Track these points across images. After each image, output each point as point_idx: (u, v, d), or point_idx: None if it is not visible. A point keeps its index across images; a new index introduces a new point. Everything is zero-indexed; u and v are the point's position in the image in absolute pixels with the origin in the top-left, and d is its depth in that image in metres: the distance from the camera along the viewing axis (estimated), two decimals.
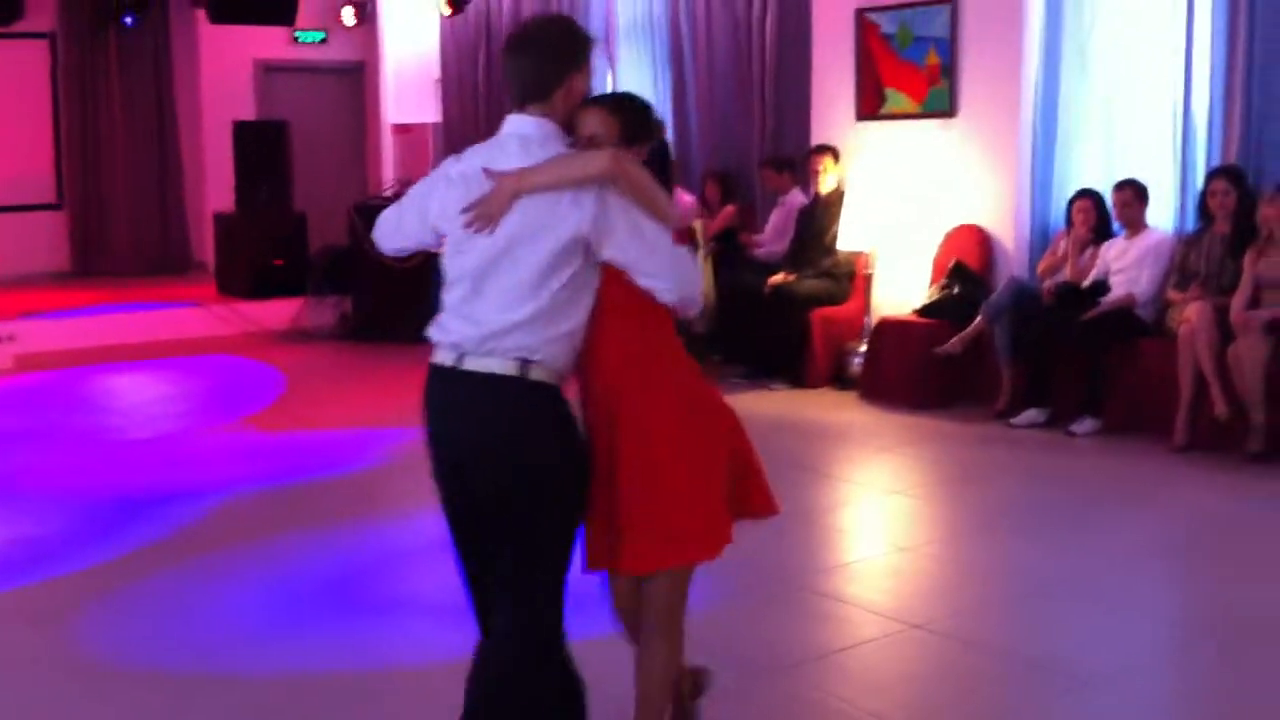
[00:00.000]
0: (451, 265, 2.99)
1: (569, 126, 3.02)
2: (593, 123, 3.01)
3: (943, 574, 5.07)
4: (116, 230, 13.14)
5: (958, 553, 5.30)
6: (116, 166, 13.16)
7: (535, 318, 2.88)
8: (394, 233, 3.16)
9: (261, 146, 11.50)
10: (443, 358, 2.96)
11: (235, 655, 4.28)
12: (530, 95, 3.02)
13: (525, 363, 2.89)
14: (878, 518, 5.81)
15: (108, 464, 6.78)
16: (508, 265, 2.89)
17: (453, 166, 3.06)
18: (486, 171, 2.92)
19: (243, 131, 11.77)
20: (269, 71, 13.76)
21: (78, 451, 7.04)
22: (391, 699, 3.99)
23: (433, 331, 3.00)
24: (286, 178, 11.48)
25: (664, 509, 3.00)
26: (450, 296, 2.98)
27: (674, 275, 2.98)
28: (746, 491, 3.19)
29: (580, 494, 2.98)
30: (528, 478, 2.90)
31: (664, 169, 3.17)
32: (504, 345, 2.89)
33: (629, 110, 3.09)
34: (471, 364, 2.91)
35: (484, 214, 2.89)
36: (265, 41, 13.35)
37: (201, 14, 12.45)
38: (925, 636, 4.33)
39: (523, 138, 2.99)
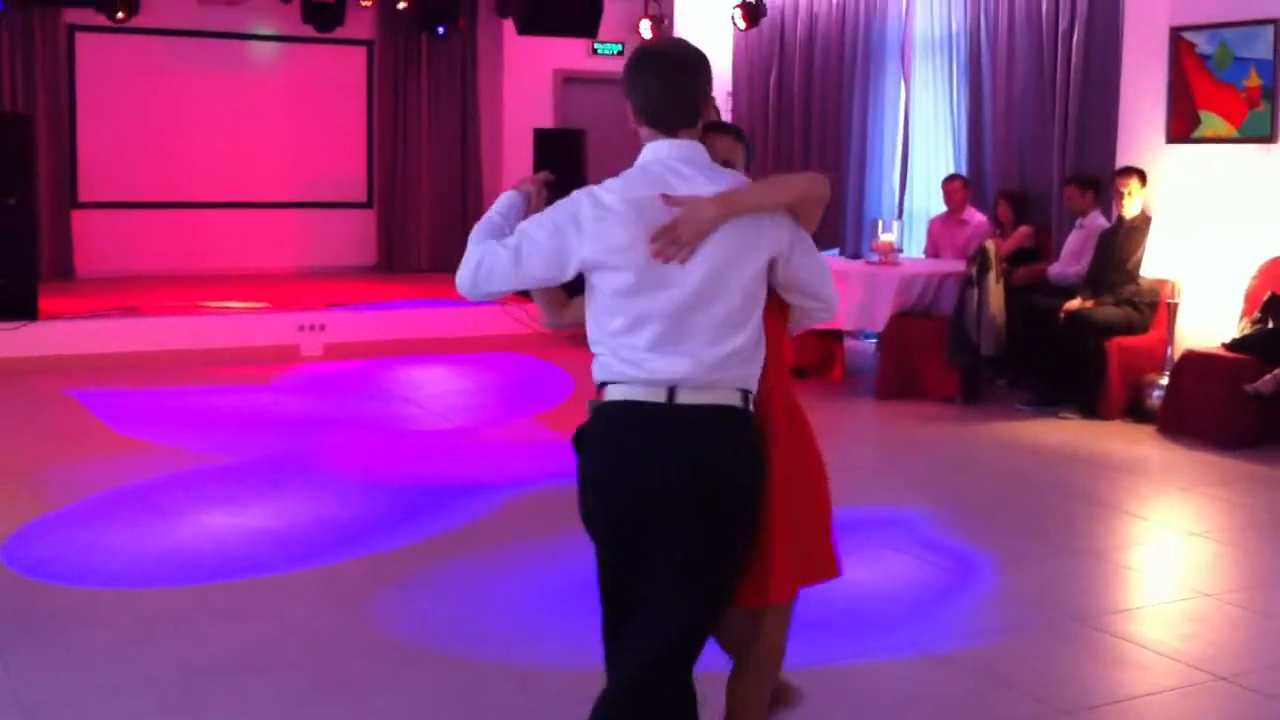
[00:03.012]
0: (627, 306, 2.77)
1: None
2: (724, 148, 3.04)
3: (1250, 624, 4.80)
4: (420, 229, 13.78)
5: (1267, 603, 5.01)
6: (423, 169, 13.80)
7: (748, 345, 2.79)
8: (505, 276, 2.85)
9: (559, 153, 11.83)
10: (647, 394, 2.77)
11: (523, 646, 4.42)
12: (687, 119, 2.87)
13: (745, 393, 2.81)
14: (1177, 560, 5.55)
15: (407, 452, 7.12)
16: (717, 293, 2.76)
17: (600, 198, 2.81)
18: (667, 198, 2.74)
19: (542, 139, 12.16)
20: (568, 81, 14.18)
21: (380, 439, 7.42)
22: None
23: (612, 373, 2.82)
24: (582, 184, 11.72)
25: (811, 534, 3.08)
26: (635, 338, 2.77)
27: (834, 295, 2.99)
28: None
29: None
30: (740, 504, 2.83)
31: None
32: (727, 377, 2.77)
33: (745, 138, 3.18)
34: (690, 398, 2.75)
35: (676, 241, 2.71)
36: (565, 52, 13.76)
37: (508, 25, 12.92)
38: (1233, 690, 4.11)
39: (695, 162, 2.85)
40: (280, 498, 6.20)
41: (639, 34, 13.90)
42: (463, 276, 2.90)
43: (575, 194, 2.84)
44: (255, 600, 4.85)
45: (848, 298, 8.91)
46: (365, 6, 13.01)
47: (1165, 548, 5.72)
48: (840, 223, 11.48)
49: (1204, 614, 4.83)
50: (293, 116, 13.43)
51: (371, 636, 4.52)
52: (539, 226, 2.84)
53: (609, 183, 2.83)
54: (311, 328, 10.11)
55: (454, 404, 8.64)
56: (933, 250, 9.92)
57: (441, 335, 10.53)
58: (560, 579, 5.07)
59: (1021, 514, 6.15)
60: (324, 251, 13.49)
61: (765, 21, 12.20)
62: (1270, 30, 7.92)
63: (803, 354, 9.39)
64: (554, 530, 5.67)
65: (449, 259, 13.74)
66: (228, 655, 4.31)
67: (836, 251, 10.29)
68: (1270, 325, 7.58)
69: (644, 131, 2.90)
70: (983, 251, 8.50)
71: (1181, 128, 8.46)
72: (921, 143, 11.08)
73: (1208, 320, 8.07)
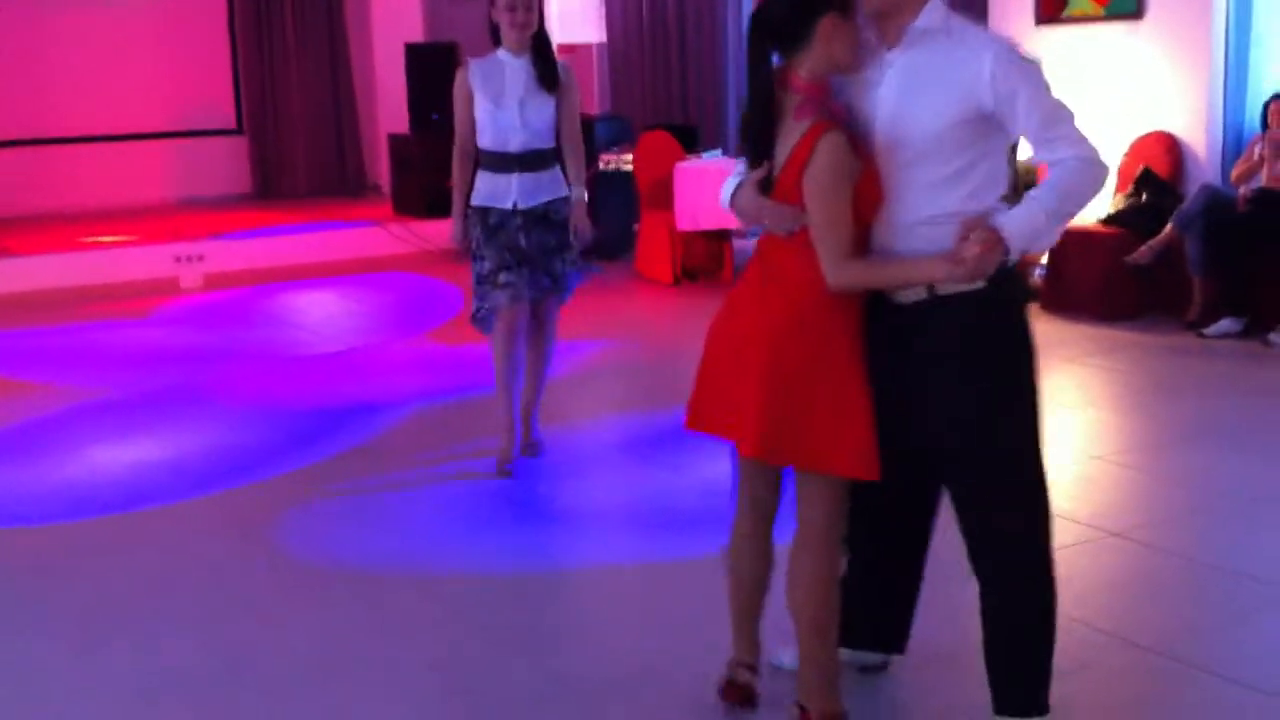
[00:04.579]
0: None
1: None
2: None
3: (1138, 483, 4.96)
4: (294, 154, 13.46)
5: (1154, 463, 5.18)
6: (292, 92, 13.45)
7: None
8: None
9: (432, 68, 11.61)
10: None
11: (426, 558, 4.43)
12: None
13: None
14: (1068, 429, 5.69)
15: (297, 377, 7.01)
16: None
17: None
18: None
19: (414, 54, 11.92)
20: None
21: (268, 366, 7.29)
22: (572, 598, 4.09)
23: None
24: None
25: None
26: None
27: None
28: None
29: None
30: None
31: None
32: None
33: None
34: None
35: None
36: None
37: None
38: (1123, 544, 4.26)
39: None
40: (170, 429, 6.08)
41: None
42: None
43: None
44: (151, 531, 4.76)
45: None
46: None
47: (1054, 416, 5.84)
48: (722, 124, 11.46)
49: (1094, 476, 4.97)
50: (154, 44, 12.97)
51: (274, 558, 4.47)
52: None
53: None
54: (189, 259, 9.86)
55: (342, 327, 8.51)
56: None
57: (324, 259, 10.35)
58: (456, 492, 5.06)
59: None
60: (197, 181, 13.12)
61: None
62: None
63: (691, 256, 9.40)
64: (451, 443, 5.65)
65: (327, 182, 13.53)
66: (128, 588, 4.24)
67: (719, 152, 10.27)
68: (1144, 199, 7.75)
69: None
70: None
71: (1050, 8, 8.55)
72: None
73: None
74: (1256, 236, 6.96)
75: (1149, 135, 8.04)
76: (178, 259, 9.83)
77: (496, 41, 5.04)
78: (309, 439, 5.85)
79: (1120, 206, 7.83)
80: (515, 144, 4.98)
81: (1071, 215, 2.88)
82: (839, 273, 2.84)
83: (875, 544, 3.25)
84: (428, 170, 11.18)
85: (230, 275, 9.88)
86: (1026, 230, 2.78)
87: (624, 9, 12.56)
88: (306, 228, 11.00)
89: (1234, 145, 7.84)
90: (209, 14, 13.25)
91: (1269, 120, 7.31)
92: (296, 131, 13.43)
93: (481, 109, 4.99)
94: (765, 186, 2.91)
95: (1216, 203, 7.24)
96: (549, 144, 5.05)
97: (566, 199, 5.11)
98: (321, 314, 8.97)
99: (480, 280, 5.08)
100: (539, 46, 5.02)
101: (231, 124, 13.49)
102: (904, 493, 3.15)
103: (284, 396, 6.61)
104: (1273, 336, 6.84)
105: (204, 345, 7.92)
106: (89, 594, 4.19)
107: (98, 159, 12.69)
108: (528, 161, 5.01)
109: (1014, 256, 2.81)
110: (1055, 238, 2.94)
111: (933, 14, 2.84)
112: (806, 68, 2.86)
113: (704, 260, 9.47)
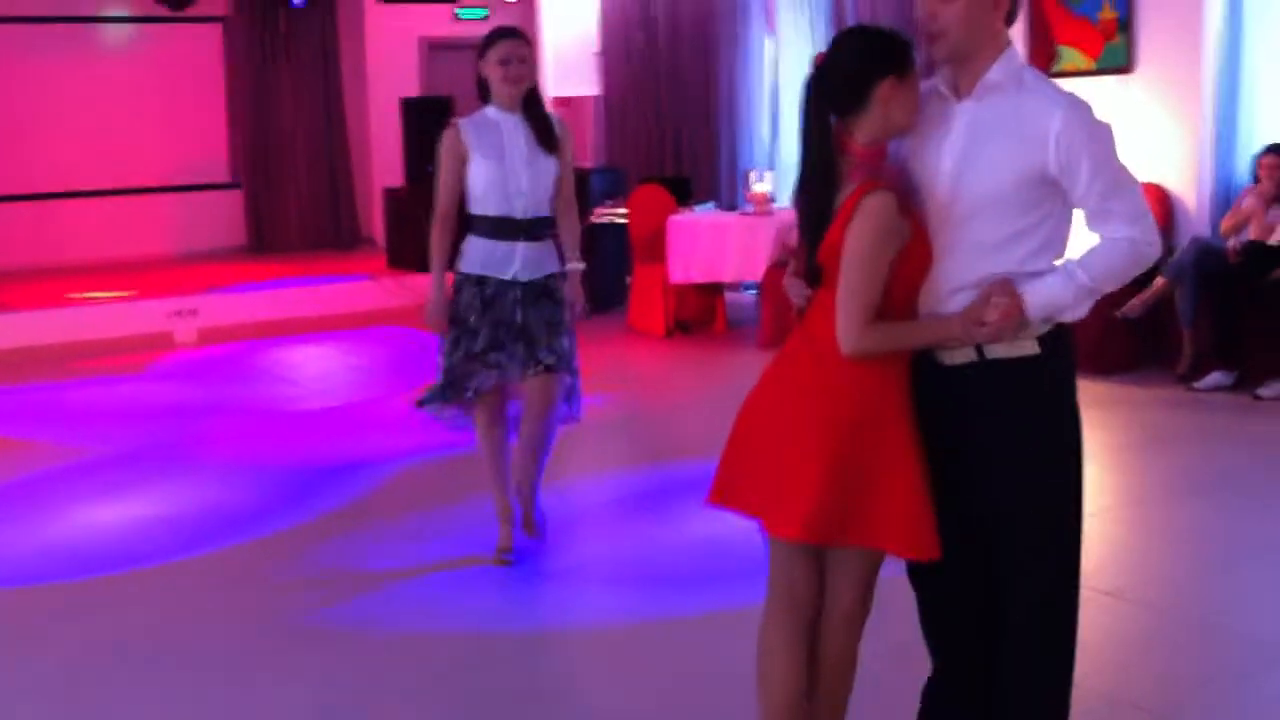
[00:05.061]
0: None
1: None
2: None
3: (1131, 539, 4.94)
4: (289, 207, 13.53)
5: (1146, 518, 5.16)
6: (288, 146, 13.54)
7: None
8: None
9: (428, 123, 11.68)
10: None
11: (416, 618, 4.39)
12: None
13: None
14: None
15: (288, 434, 6.99)
16: None
17: None
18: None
19: (409, 108, 12.00)
20: (433, 49, 13.99)
21: (259, 421, 7.28)
22: (562, 658, 4.06)
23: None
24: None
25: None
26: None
27: None
28: None
29: None
30: None
31: None
32: None
33: None
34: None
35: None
36: (428, 19, 13.57)
37: None
38: (1117, 604, 4.23)
39: None
40: (161, 486, 6.05)
41: None
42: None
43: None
44: (139, 592, 4.73)
45: (725, 250, 8.95)
46: None
47: None
48: (715, 176, 11.51)
49: (1087, 532, 4.92)
50: (151, 99, 13.08)
51: (264, 618, 4.44)
52: None
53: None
54: (184, 313, 9.87)
55: (335, 382, 8.51)
56: None
57: (318, 313, 10.37)
58: (449, 550, 5.03)
59: None
60: (192, 235, 13.19)
61: None
62: None
63: (684, 309, 9.42)
64: (442, 503, 5.63)
65: (321, 235, 13.59)
66: (119, 646, 4.21)
67: (712, 205, 10.31)
68: None
69: (1000, 29, 2.80)
70: None
71: (1041, 63, 8.59)
72: (790, 93, 11.12)
73: (1076, 250, 8.23)
74: (1246, 289, 6.97)
75: (1140, 187, 8.06)
76: (172, 313, 9.84)
77: (484, 98, 4.65)
78: (299, 497, 5.82)
79: None
80: (521, 209, 4.58)
81: (1105, 293, 2.80)
82: (856, 340, 2.73)
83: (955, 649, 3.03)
84: (423, 224, 11.20)
85: (224, 329, 9.89)
86: (1052, 302, 2.71)
87: (619, 62, 12.65)
88: (300, 281, 11.03)
89: (1223, 198, 7.87)
90: (206, 69, 13.36)
91: (1258, 173, 7.36)
92: (291, 185, 13.51)
93: (482, 171, 4.56)
94: (811, 271, 2.82)
95: (1207, 255, 7.27)
96: (550, 212, 4.69)
97: (564, 274, 4.75)
98: (315, 369, 8.96)
99: (468, 356, 4.61)
100: (531, 103, 4.64)
101: (227, 178, 13.56)
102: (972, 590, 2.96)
103: (275, 453, 6.59)
104: (1263, 390, 6.84)
105: (196, 401, 7.91)
106: (74, 656, 4.16)
107: (94, 213, 12.76)
108: (532, 230, 4.62)
109: (1035, 326, 2.73)
110: (1083, 312, 2.79)
111: (1007, 66, 2.76)
112: (864, 131, 2.77)
113: (697, 313, 9.48)
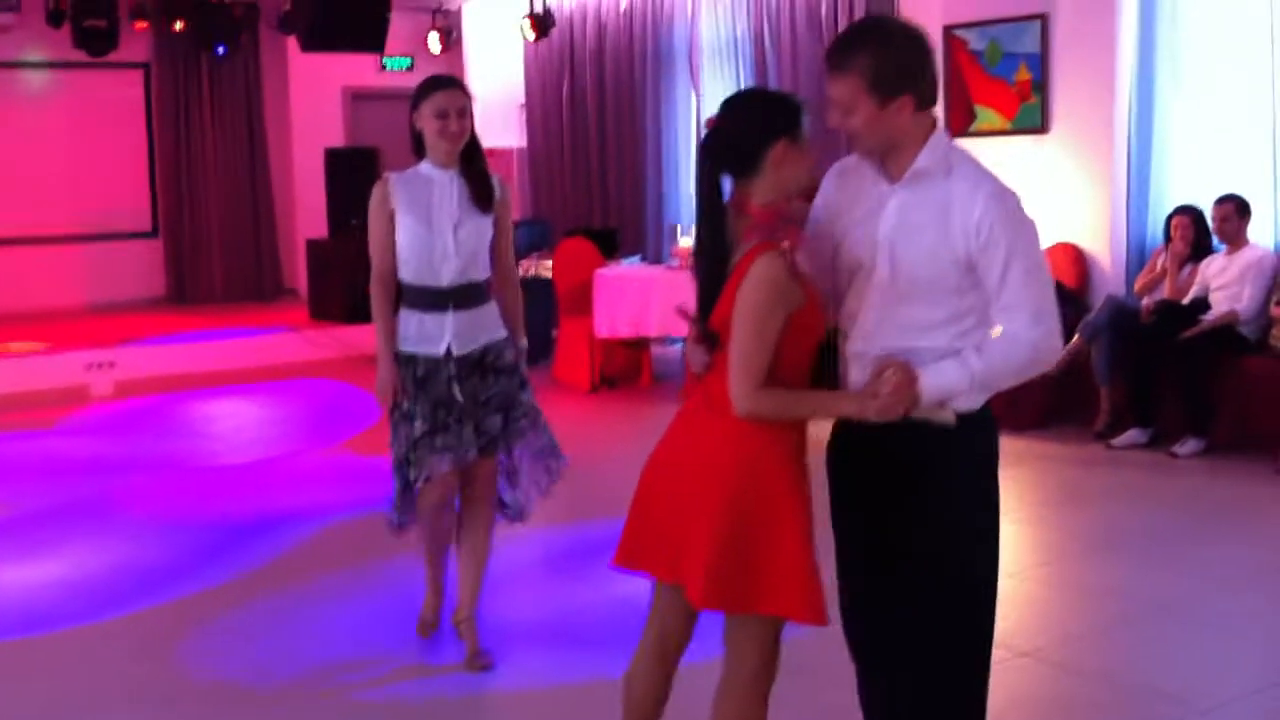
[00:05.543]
0: None
1: None
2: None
3: (1048, 599, 4.99)
4: (210, 258, 13.39)
5: (1063, 577, 5.22)
6: (210, 195, 13.41)
7: None
8: None
9: (352, 173, 11.65)
10: None
11: (336, 678, 4.33)
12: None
13: None
14: None
15: (208, 489, 6.89)
16: None
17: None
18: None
19: (334, 159, 11.96)
20: (357, 99, 13.96)
21: (178, 477, 7.16)
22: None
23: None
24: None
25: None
26: None
27: None
28: None
29: None
30: None
31: None
32: None
33: None
34: None
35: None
36: (353, 69, 13.54)
37: (292, 42, 12.65)
38: (1033, 665, 4.27)
39: None
40: (75, 546, 5.92)
41: (427, 48, 13.78)
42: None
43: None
44: (52, 656, 4.63)
45: (651, 304, 8.98)
46: (139, 30, 12.56)
47: None
48: (641, 229, 11.58)
49: (1005, 592, 4.96)
50: (69, 145, 12.91)
51: (185, 682, 4.36)
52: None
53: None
54: (100, 365, 9.72)
55: (256, 435, 8.40)
56: None
57: (240, 365, 10.25)
58: (376, 607, 4.98)
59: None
60: (110, 285, 12.99)
61: (554, 32, 12.22)
62: (1038, 25, 8.28)
63: (610, 363, 9.43)
64: (368, 558, 5.57)
65: (243, 286, 13.45)
66: (26, 717, 4.10)
67: (639, 258, 10.35)
68: None
69: (918, 118, 2.78)
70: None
71: (959, 122, 8.77)
72: None
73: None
74: (1160, 347, 7.11)
75: (1055, 246, 8.22)
76: (89, 365, 9.68)
77: (419, 153, 4.28)
78: (217, 555, 5.73)
79: None
80: (448, 276, 4.19)
81: (1000, 389, 2.78)
82: (748, 401, 2.75)
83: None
84: (346, 275, 11.18)
85: (142, 382, 9.74)
86: (945, 387, 2.71)
87: (544, 113, 12.70)
88: (221, 333, 10.91)
89: (1137, 257, 8.05)
90: (128, 116, 13.22)
91: (1171, 233, 7.53)
92: (213, 235, 13.38)
93: (406, 233, 4.18)
94: (707, 336, 2.85)
95: (1121, 313, 7.41)
96: (484, 274, 4.29)
97: (508, 339, 4.37)
98: (235, 422, 8.84)
99: (413, 445, 4.20)
100: (470, 158, 4.26)
101: (147, 227, 13.39)
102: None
103: (194, 510, 6.48)
104: (1178, 448, 6.97)
105: (113, 456, 7.77)
106: None
107: (8, 262, 12.53)
108: (462, 297, 4.22)
109: (926, 408, 2.73)
110: (977, 402, 2.77)
111: (933, 153, 2.77)
112: (759, 193, 2.81)
113: (623, 367, 9.50)
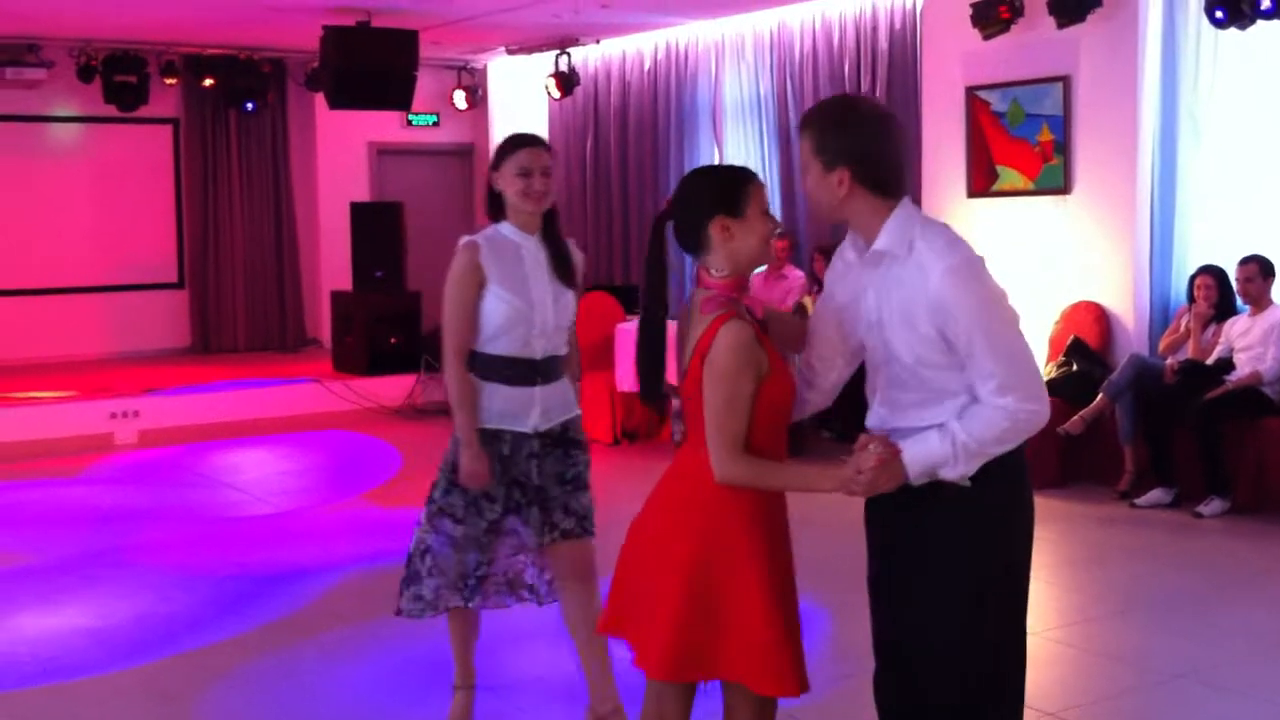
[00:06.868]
0: None
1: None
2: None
3: (1071, 660, 4.95)
4: (235, 309, 13.47)
5: (1087, 638, 5.18)
6: (236, 247, 13.52)
7: None
8: None
9: (377, 227, 11.75)
10: None
11: None
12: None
13: None
14: None
15: (228, 540, 6.90)
16: None
17: None
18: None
19: (359, 212, 12.04)
20: (382, 154, 14.09)
21: (200, 528, 7.18)
22: None
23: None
24: (401, 257, 11.71)
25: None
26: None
27: None
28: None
29: None
30: None
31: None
32: None
33: None
34: None
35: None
36: (379, 125, 13.68)
37: (319, 98, 12.80)
38: None
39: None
40: (97, 596, 5.94)
41: (453, 105, 13.91)
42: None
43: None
44: (77, 704, 4.62)
45: (673, 358, 8.97)
46: (170, 85, 12.73)
47: None
48: None
49: (1030, 653, 4.94)
50: (99, 198, 13.03)
51: None
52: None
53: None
54: (124, 415, 9.77)
55: (277, 487, 8.42)
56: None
57: (262, 416, 10.29)
58: (392, 661, 4.96)
59: (854, 564, 6.22)
60: (135, 335, 13.07)
61: (579, 90, 12.34)
62: (1060, 87, 8.32)
63: (632, 417, 9.43)
64: (385, 612, 5.54)
65: (266, 337, 13.52)
66: None
67: None
68: (1074, 368, 7.90)
69: (870, 200, 2.81)
70: (800, 307, 8.69)
71: (981, 182, 8.80)
72: None
73: None
74: (1183, 407, 7.08)
75: (1078, 305, 8.23)
76: (113, 415, 9.74)
77: (495, 216, 3.95)
78: (237, 606, 5.73)
79: (1051, 375, 7.97)
80: (540, 349, 3.92)
81: (988, 458, 2.73)
82: (726, 468, 2.76)
83: None
84: (369, 327, 11.24)
85: (166, 432, 9.78)
86: (930, 461, 2.70)
87: (568, 169, 12.79)
88: (245, 384, 10.95)
89: (1161, 316, 8.04)
90: (156, 168, 13.35)
91: (1194, 293, 7.52)
92: (238, 286, 13.46)
93: (503, 305, 3.83)
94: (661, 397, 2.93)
95: (1145, 373, 7.39)
96: (567, 348, 4.04)
97: (579, 417, 4.11)
98: (257, 473, 8.87)
99: (488, 527, 3.94)
100: (550, 225, 3.96)
101: (173, 277, 13.49)
102: None
103: (214, 561, 6.49)
104: (1203, 508, 6.93)
105: (134, 505, 7.80)
106: None
107: (36, 312, 12.62)
108: (549, 370, 3.96)
109: (915, 481, 2.73)
110: (970, 469, 2.72)
111: (891, 235, 2.77)
112: (715, 266, 2.88)
113: (644, 421, 9.50)
